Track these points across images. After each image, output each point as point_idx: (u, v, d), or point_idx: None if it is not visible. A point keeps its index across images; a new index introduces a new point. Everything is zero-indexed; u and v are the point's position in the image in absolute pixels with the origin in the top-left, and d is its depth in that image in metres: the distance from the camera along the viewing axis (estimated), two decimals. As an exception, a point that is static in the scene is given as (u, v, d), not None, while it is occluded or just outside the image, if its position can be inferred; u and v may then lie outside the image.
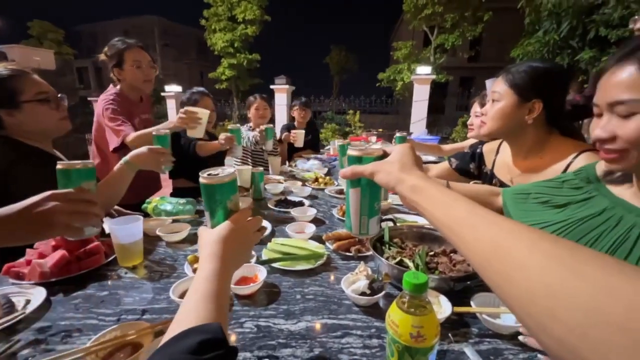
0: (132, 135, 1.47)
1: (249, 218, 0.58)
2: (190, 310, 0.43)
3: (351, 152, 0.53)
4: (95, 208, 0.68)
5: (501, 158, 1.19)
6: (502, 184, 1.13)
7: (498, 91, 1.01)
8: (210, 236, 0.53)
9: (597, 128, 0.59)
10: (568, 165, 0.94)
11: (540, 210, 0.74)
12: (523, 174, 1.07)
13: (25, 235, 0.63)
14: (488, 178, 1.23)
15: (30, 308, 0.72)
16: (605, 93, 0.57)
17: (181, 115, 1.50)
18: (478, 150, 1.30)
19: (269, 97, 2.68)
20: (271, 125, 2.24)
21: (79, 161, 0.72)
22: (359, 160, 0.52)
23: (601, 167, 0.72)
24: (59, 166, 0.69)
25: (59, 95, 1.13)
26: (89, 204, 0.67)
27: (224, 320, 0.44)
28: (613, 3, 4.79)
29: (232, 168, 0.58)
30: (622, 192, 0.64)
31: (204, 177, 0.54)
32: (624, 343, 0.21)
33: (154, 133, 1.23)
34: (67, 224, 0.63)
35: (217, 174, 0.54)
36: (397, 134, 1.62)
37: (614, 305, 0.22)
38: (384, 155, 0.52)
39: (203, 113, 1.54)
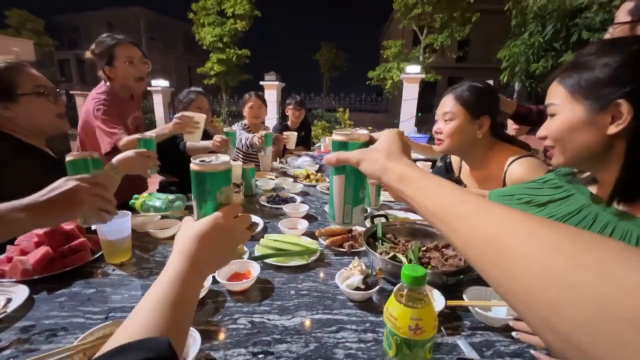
0: (125, 139, 1.43)
1: (239, 214, 0.51)
2: (139, 318, 0.36)
3: (336, 137, 0.49)
4: (108, 193, 0.71)
5: (464, 167, 1.29)
6: None
7: (450, 111, 1.12)
8: (188, 230, 0.46)
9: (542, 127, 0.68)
10: (505, 172, 1.08)
11: (524, 211, 0.76)
12: (478, 184, 1.20)
13: (58, 214, 0.66)
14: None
15: (12, 307, 0.69)
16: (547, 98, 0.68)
17: (177, 121, 1.47)
18: (448, 161, 1.40)
19: (264, 95, 2.60)
20: (270, 130, 2.18)
21: (86, 152, 0.80)
22: (344, 146, 0.48)
23: None
24: (68, 158, 0.74)
25: (57, 90, 1.09)
26: (103, 188, 0.71)
27: (180, 335, 0.38)
28: (596, 7, 4.95)
29: (227, 157, 0.52)
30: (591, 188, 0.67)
31: (195, 164, 0.48)
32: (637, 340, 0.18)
33: (138, 137, 1.19)
34: (91, 203, 0.68)
35: (211, 161, 0.48)
36: None
37: (622, 297, 0.20)
38: (371, 141, 0.48)
39: (199, 117, 1.51)
